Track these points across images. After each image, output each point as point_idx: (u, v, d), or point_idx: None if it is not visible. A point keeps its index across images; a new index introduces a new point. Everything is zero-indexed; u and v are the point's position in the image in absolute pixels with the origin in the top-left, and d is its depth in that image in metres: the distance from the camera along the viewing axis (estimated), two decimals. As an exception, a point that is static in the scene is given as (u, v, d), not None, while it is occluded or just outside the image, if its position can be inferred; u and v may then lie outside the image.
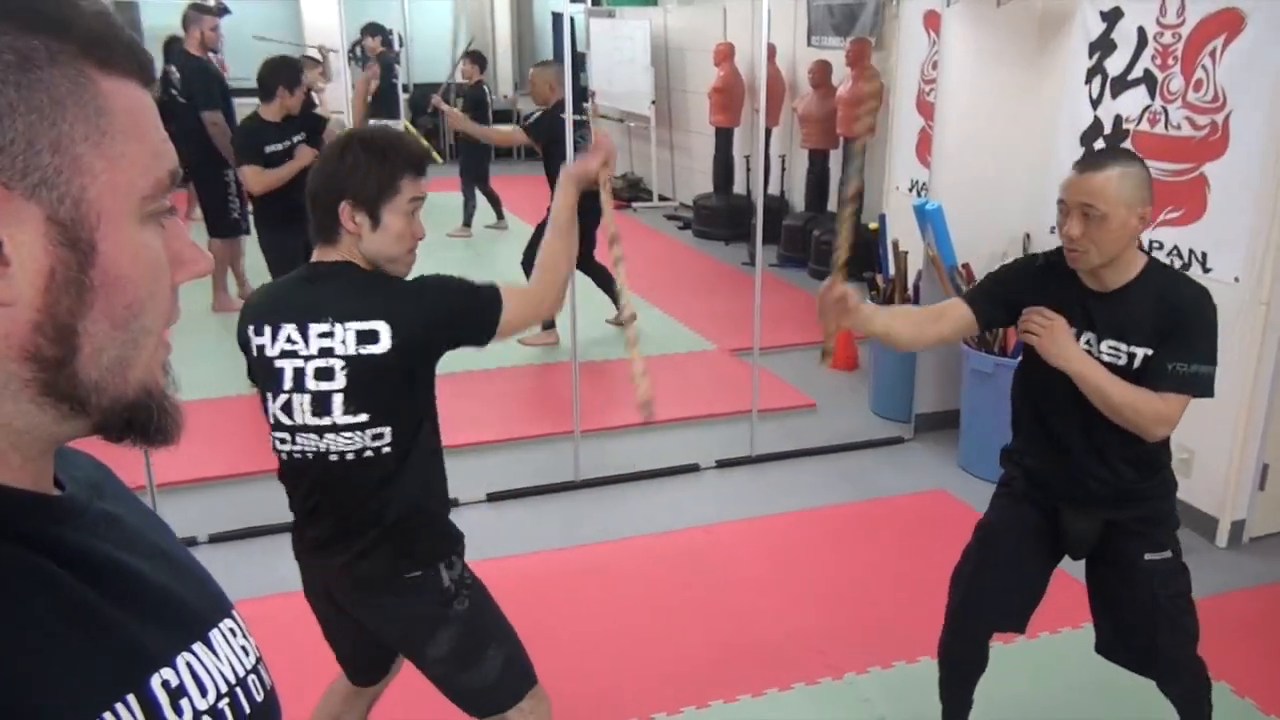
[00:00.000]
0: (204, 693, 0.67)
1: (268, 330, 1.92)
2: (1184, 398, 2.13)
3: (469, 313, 2.01)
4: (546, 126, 5.36)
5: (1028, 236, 4.49)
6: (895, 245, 4.83)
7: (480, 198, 8.81)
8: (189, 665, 0.66)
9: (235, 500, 4.08)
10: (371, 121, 8.71)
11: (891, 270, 4.88)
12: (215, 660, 0.69)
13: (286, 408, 1.92)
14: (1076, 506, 2.35)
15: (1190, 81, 3.71)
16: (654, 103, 10.04)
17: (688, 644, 3.21)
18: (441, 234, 8.67)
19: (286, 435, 1.94)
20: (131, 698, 0.60)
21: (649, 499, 4.19)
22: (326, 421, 1.91)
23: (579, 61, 11.92)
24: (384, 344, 1.88)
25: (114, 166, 0.60)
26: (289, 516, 4.24)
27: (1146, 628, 2.33)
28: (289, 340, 1.90)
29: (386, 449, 1.94)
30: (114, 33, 0.62)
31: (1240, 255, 3.60)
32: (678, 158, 10.32)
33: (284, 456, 1.99)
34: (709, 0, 9.83)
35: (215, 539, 3.79)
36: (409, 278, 2.01)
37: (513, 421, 4.87)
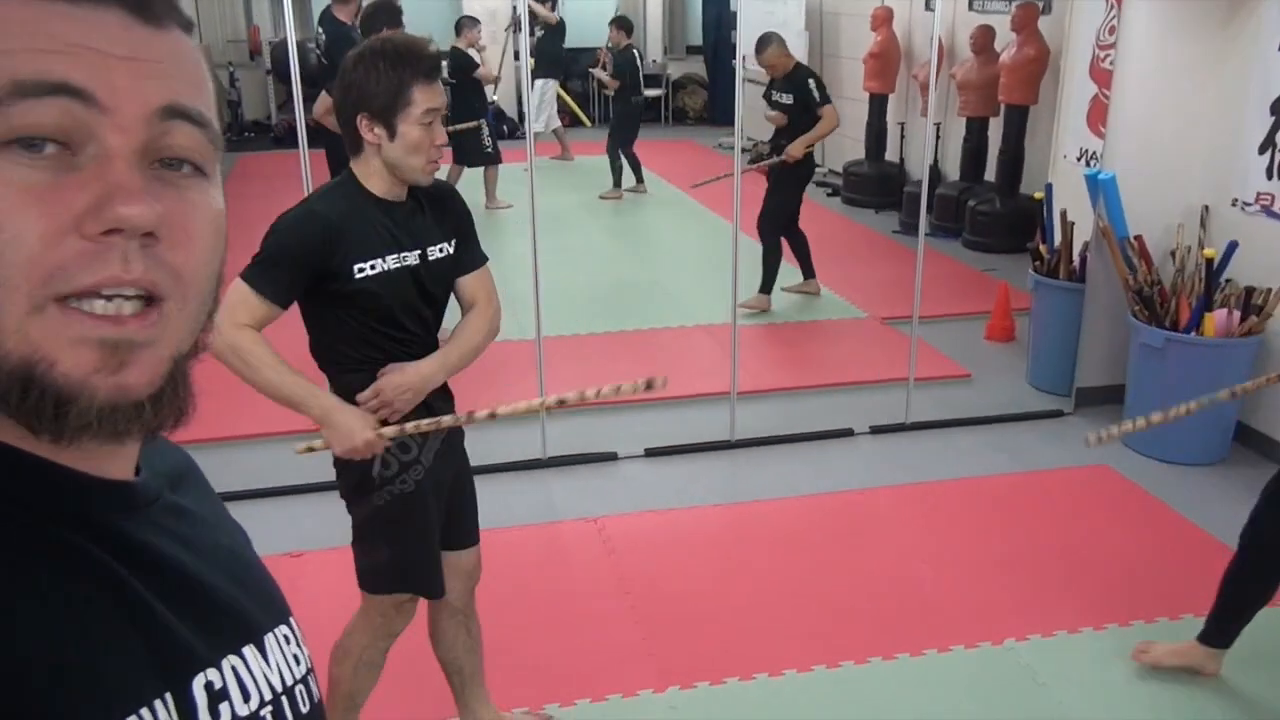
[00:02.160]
0: (246, 698, 0.65)
1: None
2: None
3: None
4: (801, 87, 5.79)
5: (1206, 209, 4.33)
6: (1064, 215, 4.72)
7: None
8: (234, 669, 0.65)
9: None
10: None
11: (1057, 241, 4.78)
12: (264, 666, 0.68)
13: None
14: None
15: (1398, 48, 3.52)
16: (806, 68, 9.94)
17: (844, 602, 3.27)
18: (593, 196, 8.85)
19: None
20: (169, 696, 0.59)
21: (803, 461, 4.25)
22: None
23: (732, 20, 11.88)
24: None
25: None
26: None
27: None
28: None
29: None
30: None
31: None
32: (827, 124, 10.19)
33: None
34: (866, -37, 9.67)
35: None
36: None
37: (672, 380, 4.96)
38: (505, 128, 11.79)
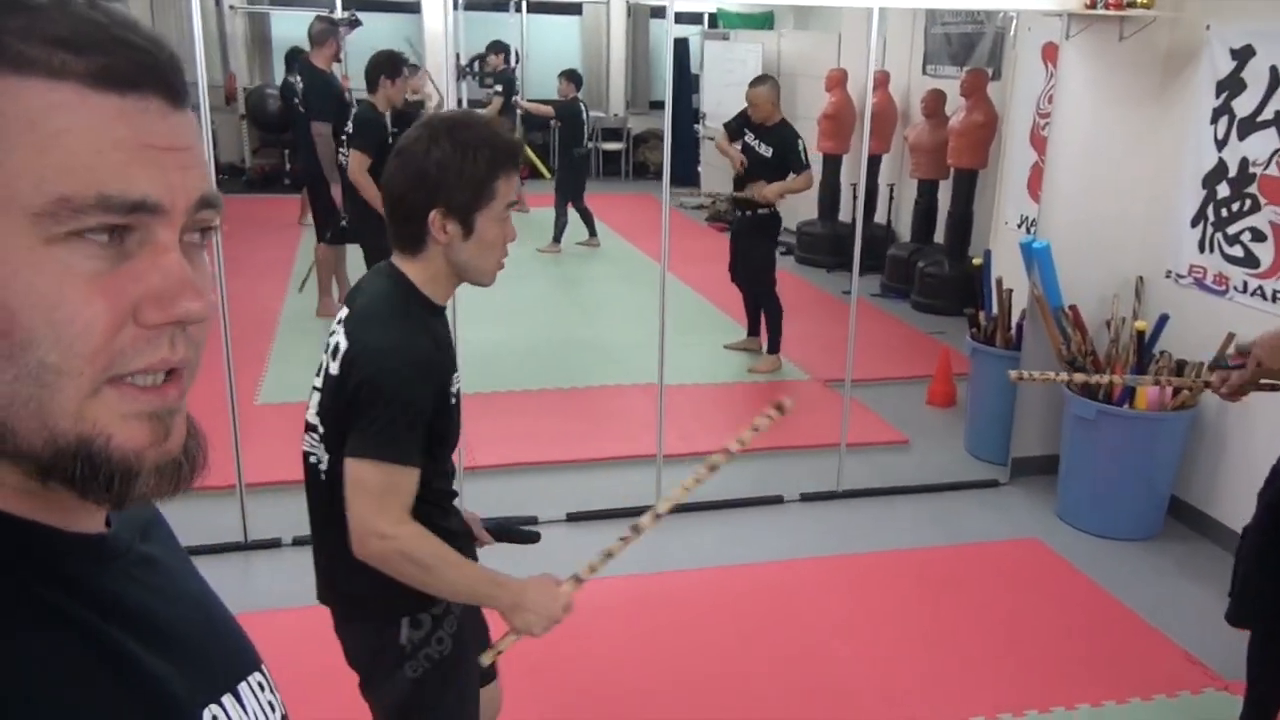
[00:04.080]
0: None
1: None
2: None
3: (365, 419, 1.66)
4: (790, 148, 5.64)
5: (1141, 280, 4.28)
6: (999, 283, 4.67)
7: (573, 215, 8.84)
8: (215, 719, 0.65)
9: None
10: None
11: (995, 308, 4.72)
12: (242, 714, 0.68)
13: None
14: None
15: (1325, 125, 3.51)
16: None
17: (763, 685, 3.13)
18: (533, 249, 8.74)
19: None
20: None
21: (729, 529, 4.12)
22: (308, 416, 1.81)
23: (693, 83, 11.95)
24: (337, 364, 1.72)
25: None
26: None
27: None
28: (331, 331, 1.80)
29: (324, 473, 1.77)
30: (36, 25, 0.54)
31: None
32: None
33: None
34: (825, 26, 9.75)
35: (299, 542, 3.85)
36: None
37: (595, 441, 4.85)
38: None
